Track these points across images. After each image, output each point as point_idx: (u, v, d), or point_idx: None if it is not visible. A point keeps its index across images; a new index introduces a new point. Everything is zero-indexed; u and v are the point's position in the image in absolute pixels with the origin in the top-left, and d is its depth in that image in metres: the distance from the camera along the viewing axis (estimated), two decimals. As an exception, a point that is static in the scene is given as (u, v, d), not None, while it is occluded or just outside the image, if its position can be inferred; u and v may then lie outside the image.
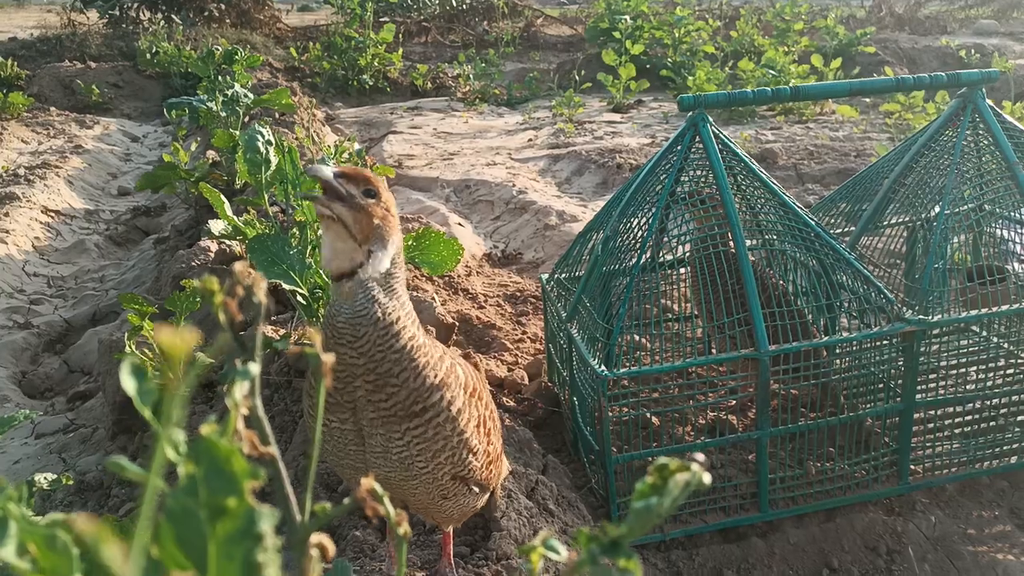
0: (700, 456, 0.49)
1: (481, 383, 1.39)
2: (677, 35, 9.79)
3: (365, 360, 1.19)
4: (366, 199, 1.20)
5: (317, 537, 0.47)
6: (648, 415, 2.43)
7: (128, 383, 0.46)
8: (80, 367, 3.86)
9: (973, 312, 2.24)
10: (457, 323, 3.24)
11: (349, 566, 1.10)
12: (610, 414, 2.11)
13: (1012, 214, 2.47)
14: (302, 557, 0.46)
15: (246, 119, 3.96)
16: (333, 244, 1.20)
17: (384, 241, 1.22)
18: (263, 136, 1.85)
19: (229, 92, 3.64)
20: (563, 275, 2.63)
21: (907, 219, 2.66)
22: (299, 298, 2.01)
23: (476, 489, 1.36)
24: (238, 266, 0.59)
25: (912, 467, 2.35)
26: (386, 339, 1.19)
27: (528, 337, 3.57)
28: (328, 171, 1.19)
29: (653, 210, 2.24)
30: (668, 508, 0.48)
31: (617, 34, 9.49)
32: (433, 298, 3.23)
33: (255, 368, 0.49)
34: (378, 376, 1.19)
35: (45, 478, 1.21)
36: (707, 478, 0.49)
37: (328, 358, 0.55)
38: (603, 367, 2.10)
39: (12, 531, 0.47)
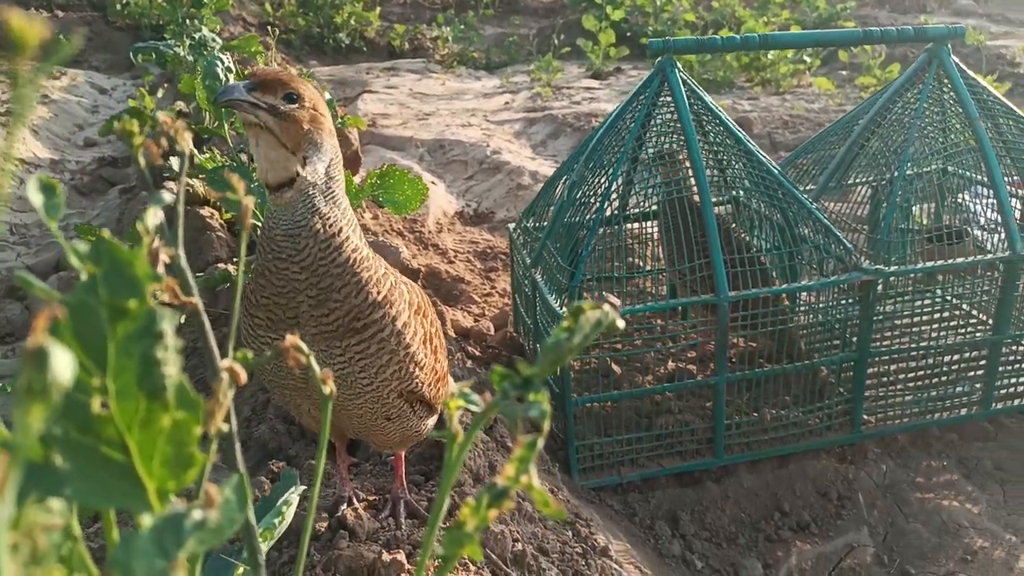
0: (614, 298, 0.50)
1: (427, 303, 1.38)
2: (658, 3, 9.73)
3: (307, 275, 1.16)
4: (288, 105, 1.13)
5: (227, 363, 0.47)
6: (609, 361, 2.46)
7: (35, 197, 0.45)
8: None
9: (929, 264, 2.28)
10: (423, 270, 3.23)
11: (295, 473, 1.10)
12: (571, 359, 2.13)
13: (973, 175, 2.51)
14: (215, 382, 0.46)
15: (215, 66, 3.86)
16: (266, 154, 1.15)
17: (318, 145, 1.17)
18: (223, 62, 1.82)
19: (196, 36, 3.56)
20: (530, 223, 2.63)
21: (871, 178, 2.69)
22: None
23: (422, 412, 1.36)
24: (161, 115, 0.59)
25: (865, 417, 2.41)
26: (328, 251, 1.16)
27: (496, 292, 3.58)
28: (239, 88, 1.12)
29: (619, 156, 2.24)
30: (578, 345, 0.48)
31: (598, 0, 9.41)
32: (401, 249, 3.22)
33: (168, 196, 0.49)
34: (320, 291, 1.16)
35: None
36: (620, 322, 0.50)
37: (249, 201, 0.55)
38: (565, 310, 2.11)
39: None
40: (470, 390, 0.56)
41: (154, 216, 0.47)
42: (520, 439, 0.48)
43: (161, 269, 0.54)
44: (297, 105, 1.14)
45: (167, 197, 0.48)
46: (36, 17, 0.25)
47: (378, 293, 1.20)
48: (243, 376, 0.47)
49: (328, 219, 1.17)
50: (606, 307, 0.49)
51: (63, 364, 0.29)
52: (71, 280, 2.63)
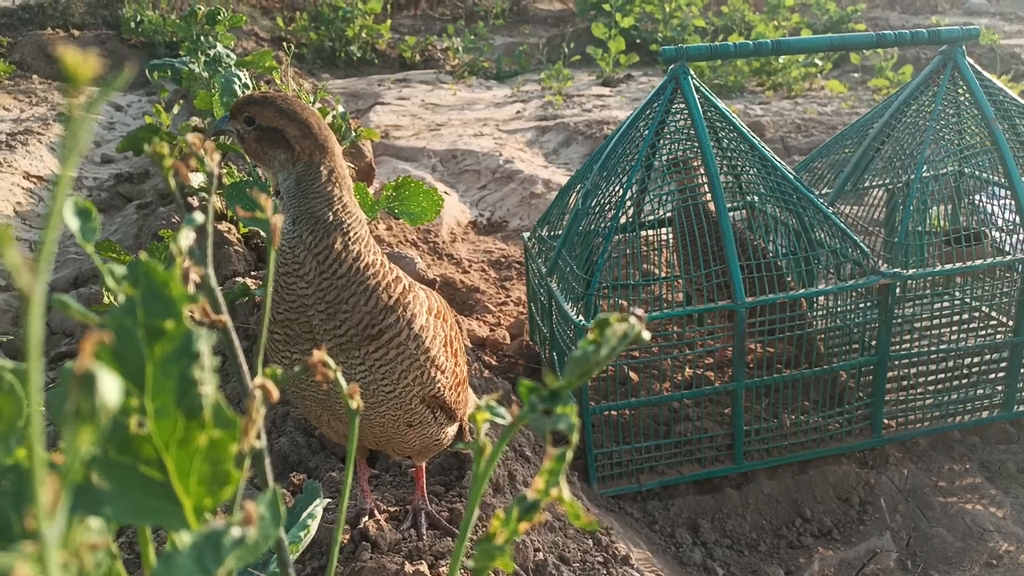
0: (639, 310, 0.50)
1: (446, 308, 1.39)
2: (668, 9, 9.74)
3: (313, 289, 1.17)
4: (246, 127, 1.22)
5: (260, 380, 0.48)
6: (626, 369, 2.45)
7: (72, 221, 0.46)
8: (62, 329, 3.86)
9: (947, 266, 2.26)
10: (438, 280, 3.24)
11: (318, 486, 1.11)
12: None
13: (990, 176, 2.50)
14: (248, 401, 0.47)
15: (229, 81, 3.89)
16: (261, 168, 1.26)
17: (278, 159, 1.21)
18: (240, 79, 1.84)
19: (211, 52, 3.60)
20: (545, 232, 2.63)
21: (887, 181, 2.68)
22: (277, 246, 2.01)
23: (443, 419, 1.37)
24: (190, 136, 0.60)
25: (885, 421, 2.39)
26: (326, 264, 1.17)
27: (512, 301, 3.59)
28: (224, 118, 1.24)
29: (633, 164, 2.24)
30: (606, 358, 0.49)
31: (607, 7, 9.43)
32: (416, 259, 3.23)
33: (200, 217, 0.49)
34: (328, 304, 1.18)
35: None
36: (646, 334, 0.50)
37: (278, 219, 0.56)
38: (582, 318, 2.11)
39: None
40: (496, 403, 0.56)
41: (187, 237, 0.48)
42: (550, 451, 0.48)
43: (191, 288, 0.55)
44: (253, 127, 1.21)
45: (199, 218, 0.49)
46: (90, 52, 0.26)
47: (389, 298, 1.21)
48: (275, 393, 0.48)
49: (317, 226, 1.18)
50: (632, 319, 0.49)
51: (111, 388, 0.30)
52: (90, 296, 2.66)
